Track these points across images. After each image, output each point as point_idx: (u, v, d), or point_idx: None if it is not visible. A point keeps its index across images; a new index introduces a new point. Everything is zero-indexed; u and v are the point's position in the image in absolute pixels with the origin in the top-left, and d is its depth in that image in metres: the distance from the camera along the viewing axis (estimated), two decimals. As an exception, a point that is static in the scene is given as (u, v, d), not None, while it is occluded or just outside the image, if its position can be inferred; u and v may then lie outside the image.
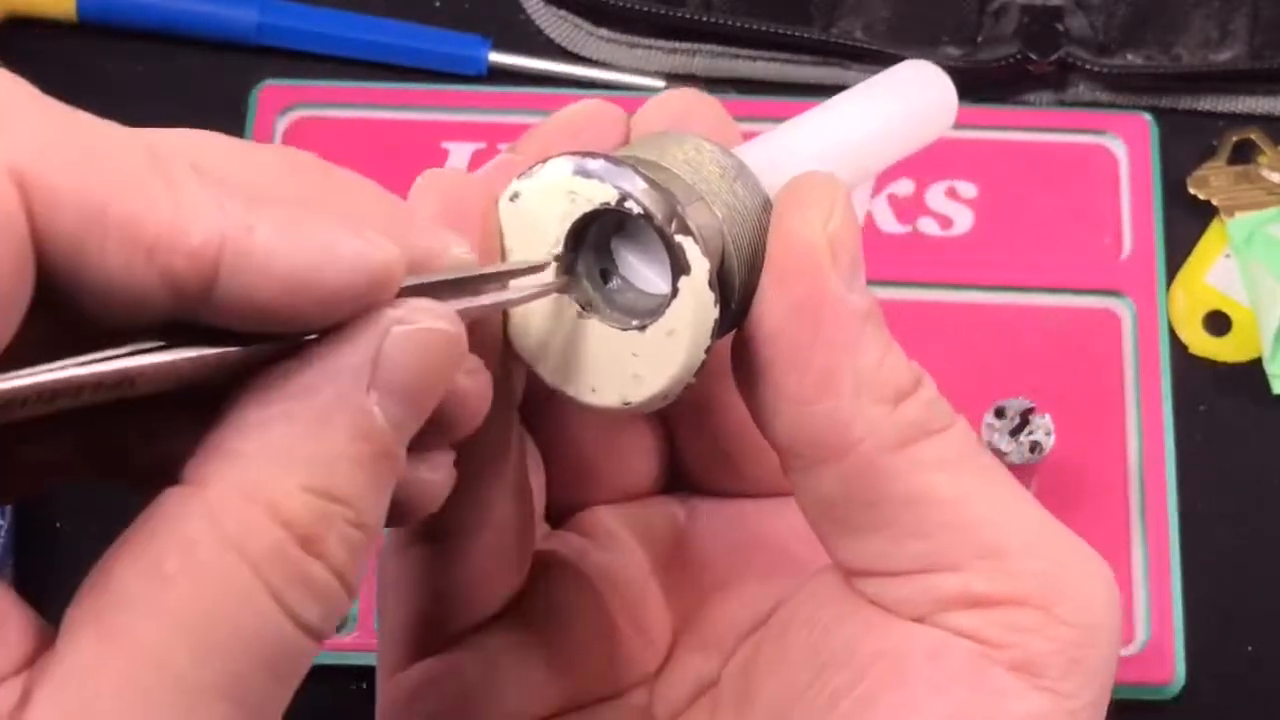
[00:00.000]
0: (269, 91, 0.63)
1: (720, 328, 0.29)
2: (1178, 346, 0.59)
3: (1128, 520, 0.56)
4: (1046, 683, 0.29)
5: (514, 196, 0.29)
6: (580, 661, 0.34)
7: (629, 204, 0.28)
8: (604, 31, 0.63)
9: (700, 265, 0.28)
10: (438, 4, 0.65)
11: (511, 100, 0.63)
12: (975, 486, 0.30)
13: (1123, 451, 0.57)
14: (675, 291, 0.29)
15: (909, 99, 0.36)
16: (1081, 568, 0.30)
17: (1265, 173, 0.61)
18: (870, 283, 0.59)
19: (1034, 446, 0.53)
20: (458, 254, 0.28)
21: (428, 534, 0.33)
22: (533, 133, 0.33)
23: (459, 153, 0.62)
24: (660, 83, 0.63)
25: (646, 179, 0.29)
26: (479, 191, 0.30)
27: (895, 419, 0.29)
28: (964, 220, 0.61)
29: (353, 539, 0.26)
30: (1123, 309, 0.59)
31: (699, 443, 0.36)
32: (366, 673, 0.56)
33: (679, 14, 0.62)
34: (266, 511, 0.25)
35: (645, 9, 0.62)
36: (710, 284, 0.29)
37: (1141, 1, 0.62)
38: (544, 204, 0.29)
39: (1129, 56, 0.62)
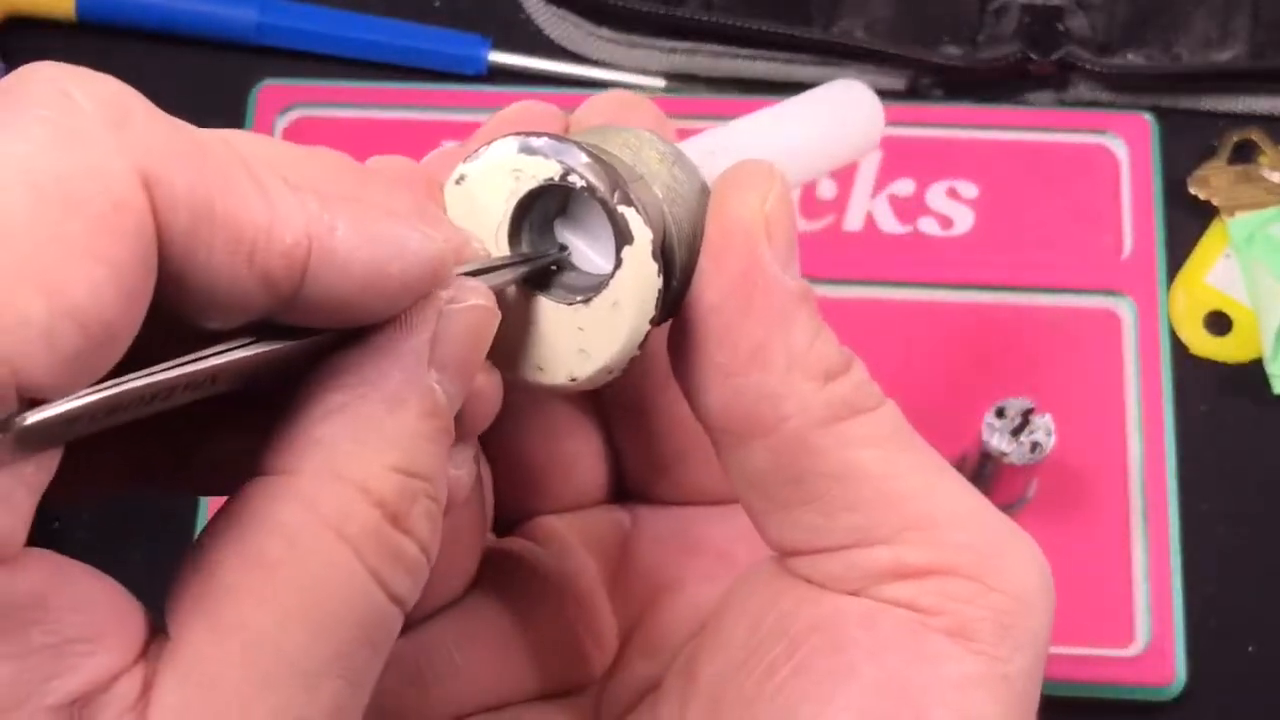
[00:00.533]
0: (268, 91, 0.63)
1: (662, 303, 0.30)
2: (1178, 346, 0.59)
3: (1128, 520, 0.56)
4: (980, 647, 0.29)
5: (460, 179, 0.30)
6: (529, 657, 0.34)
7: (572, 178, 0.29)
8: (604, 31, 0.63)
9: (644, 235, 0.29)
10: (437, 4, 0.65)
11: (511, 100, 0.62)
12: (904, 462, 0.30)
13: (1123, 451, 0.57)
14: (619, 262, 0.29)
15: (838, 115, 0.37)
16: (1011, 540, 0.31)
17: (1266, 172, 0.61)
18: (871, 283, 0.60)
19: (1034, 446, 0.53)
20: (476, 247, 0.29)
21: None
22: (477, 132, 0.34)
23: (459, 152, 0.62)
24: (660, 82, 0.63)
25: (589, 154, 0.29)
26: (421, 177, 0.30)
27: (825, 396, 0.30)
28: (964, 220, 0.61)
29: (432, 512, 0.27)
30: (1123, 309, 0.59)
31: (643, 451, 0.37)
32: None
33: (679, 14, 0.62)
34: (360, 493, 0.26)
35: (645, 9, 0.62)
36: (653, 254, 0.29)
37: (1142, 1, 0.62)
38: (489, 183, 0.30)
39: (1129, 56, 0.62)
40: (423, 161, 0.32)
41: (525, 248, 0.30)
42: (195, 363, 0.25)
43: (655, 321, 0.30)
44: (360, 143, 0.62)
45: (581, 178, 0.29)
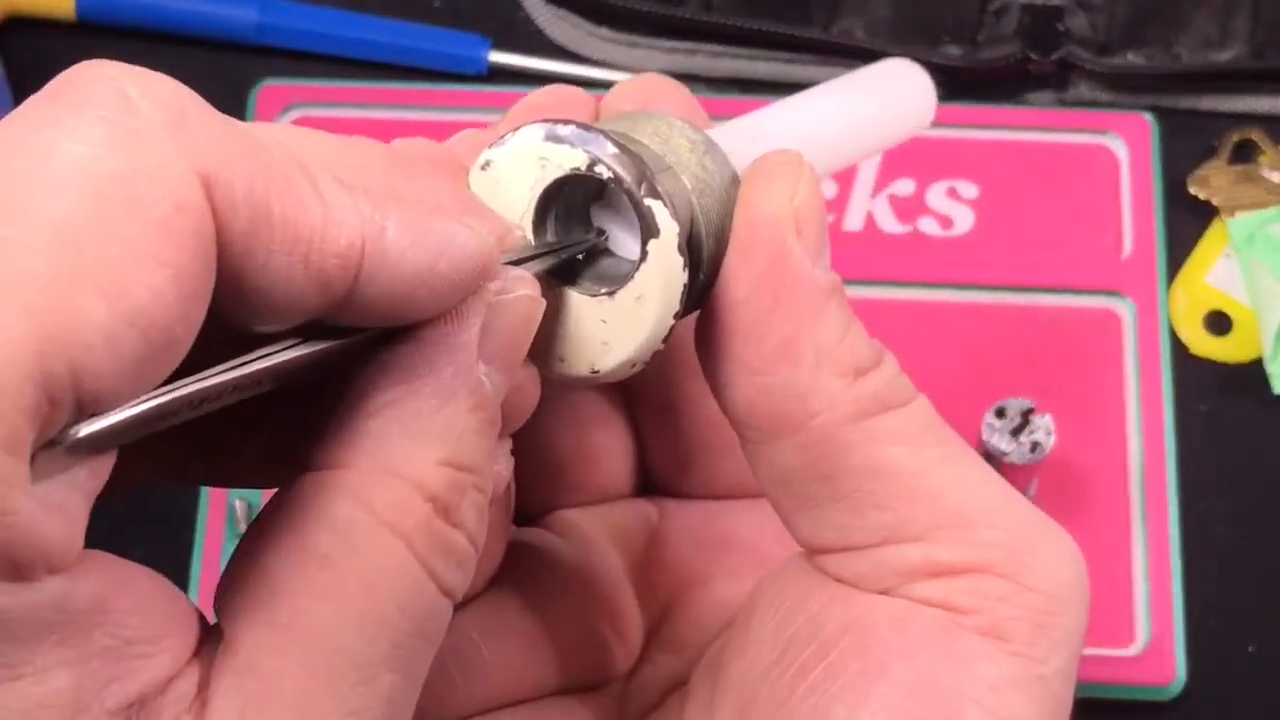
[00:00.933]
0: (269, 91, 0.63)
1: (688, 296, 0.29)
2: (1178, 346, 0.59)
3: (1128, 520, 0.56)
4: (1015, 647, 0.29)
5: (485, 165, 0.29)
6: (554, 650, 0.34)
7: (599, 168, 0.28)
8: (604, 31, 0.63)
9: (669, 228, 0.28)
10: (437, 4, 0.65)
11: (511, 100, 0.62)
12: (935, 458, 0.30)
13: (1123, 451, 0.57)
14: (644, 255, 0.29)
15: (887, 96, 0.36)
16: (1046, 537, 0.30)
17: (1266, 172, 0.61)
18: (871, 283, 0.60)
19: (1034, 446, 0.53)
20: (517, 234, 0.29)
21: None
22: (505, 117, 0.33)
23: (459, 152, 0.62)
24: (660, 82, 0.63)
25: (617, 144, 0.29)
26: (448, 161, 0.30)
27: (854, 392, 0.29)
28: (964, 220, 0.61)
29: (480, 503, 0.27)
30: (1123, 309, 0.59)
31: (669, 445, 0.36)
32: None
33: (679, 13, 0.62)
34: (413, 487, 0.26)
35: (645, 8, 0.62)
36: (679, 248, 0.29)
37: (1142, 1, 0.62)
38: (515, 170, 0.29)
39: (1130, 56, 0.62)
40: (447, 144, 0.31)
41: (550, 236, 0.30)
42: (245, 366, 0.25)
43: (680, 315, 0.29)
44: (360, 143, 0.62)
45: (608, 168, 0.28)
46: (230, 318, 0.25)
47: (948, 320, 0.59)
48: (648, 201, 0.28)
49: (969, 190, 0.61)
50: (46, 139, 0.23)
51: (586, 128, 0.29)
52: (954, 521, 0.30)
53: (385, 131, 0.62)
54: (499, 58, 0.63)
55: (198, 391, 0.24)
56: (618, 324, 0.29)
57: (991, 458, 0.53)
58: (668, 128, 0.30)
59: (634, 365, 0.30)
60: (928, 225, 0.61)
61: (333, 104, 0.63)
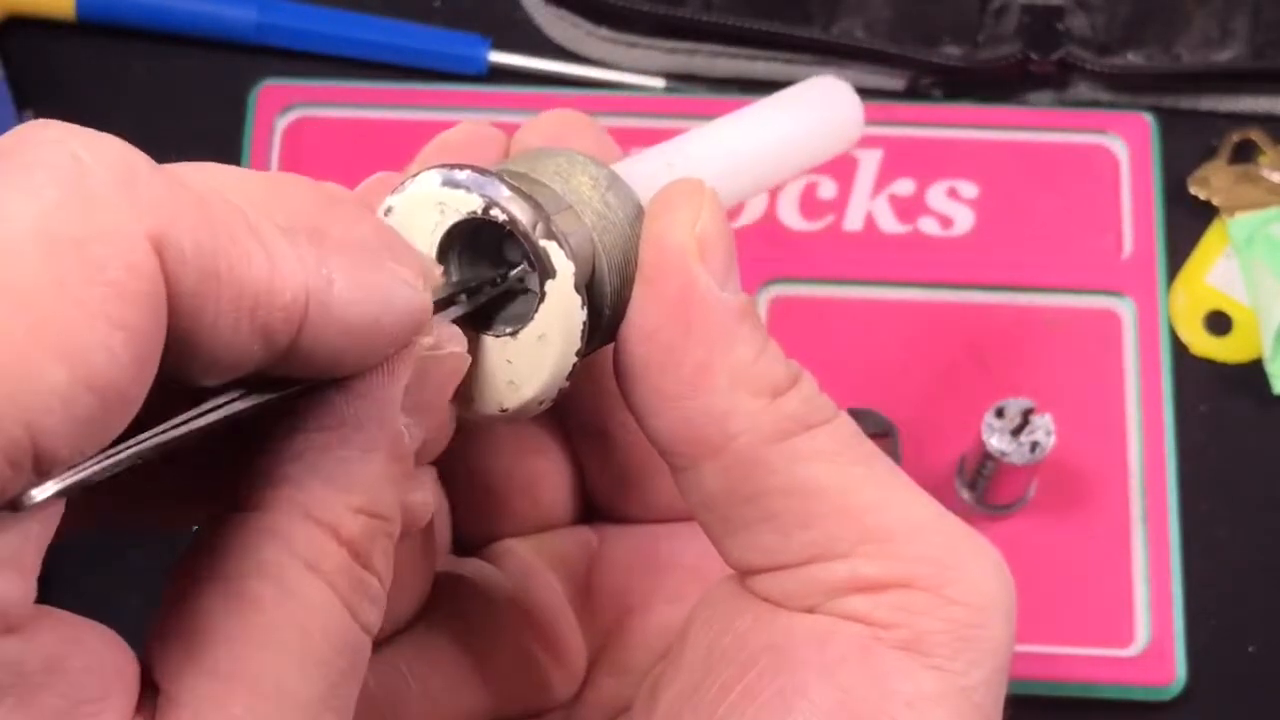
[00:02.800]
0: (268, 91, 0.63)
1: (593, 332, 0.30)
2: (1178, 346, 0.59)
3: (1128, 520, 0.56)
4: (936, 661, 0.29)
5: (387, 211, 0.30)
6: (490, 680, 0.34)
7: (494, 211, 0.29)
8: (604, 31, 0.63)
9: (565, 268, 0.29)
10: (437, 4, 0.65)
11: (511, 100, 0.63)
12: (858, 475, 0.30)
13: (1123, 451, 0.57)
14: (542, 295, 0.29)
15: (811, 113, 0.36)
16: (970, 549, 0.30)
17: (1266, 172, 0.61)
18: (870, 283, 0.60)
19: (1034, 446, 0.53)
20: (439, 275, 0.29)
21: None
22: (416, 158, 0.34)
23: (459, 152, 0.62)
24: (660, 82, 0.63)
25: (512, 187, 0.29)
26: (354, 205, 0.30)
27: (773, 413, 0.30)
28: (964, 220, 0.61)
29: (388, 548, 0.28)
30: (1123, 309, 0.59)
31: (606, 470, 0.36)
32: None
33: (679, 14, 0.62)
34: (330, 533, 0.26)
35: (645, 8, 0.62)
36: (576, 287, 0.29)
37: (1142, 1, 0.62)
38: (415, 215, 0.30)
39: (1130, 56, 0.62)
40: (357, 190, 0.32)
41: (454, 279, 0.30)
42: (191, 421, 0.25)
43: (583, 353, 0.30)
44: (360, 143, 0.62)
45: (503, 210, 0.29)
46: (175, 372, 0.25)
47: (948, 320, 0.59)
48: (542, 243, 0.29)
49: (969, 190, 0.61)
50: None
51: (483, 172, 0.29)
52: (879, 537, 0.30)
53: (385, 132, 0.63)
54: (499, 58, 0.63)
55: (143, 450, 0.24)
56: (522, 363, 0.30)
57: (991, 458, 0.53)
58: (569, 165, 0.31)
59: (541, 403, 0.30)
60: (928, 225, 0.61)
61: (332, 104, 0.63)
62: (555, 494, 0.36)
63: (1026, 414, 0.53)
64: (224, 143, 0.62)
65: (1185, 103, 0.63)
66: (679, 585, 0.35)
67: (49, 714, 0.23)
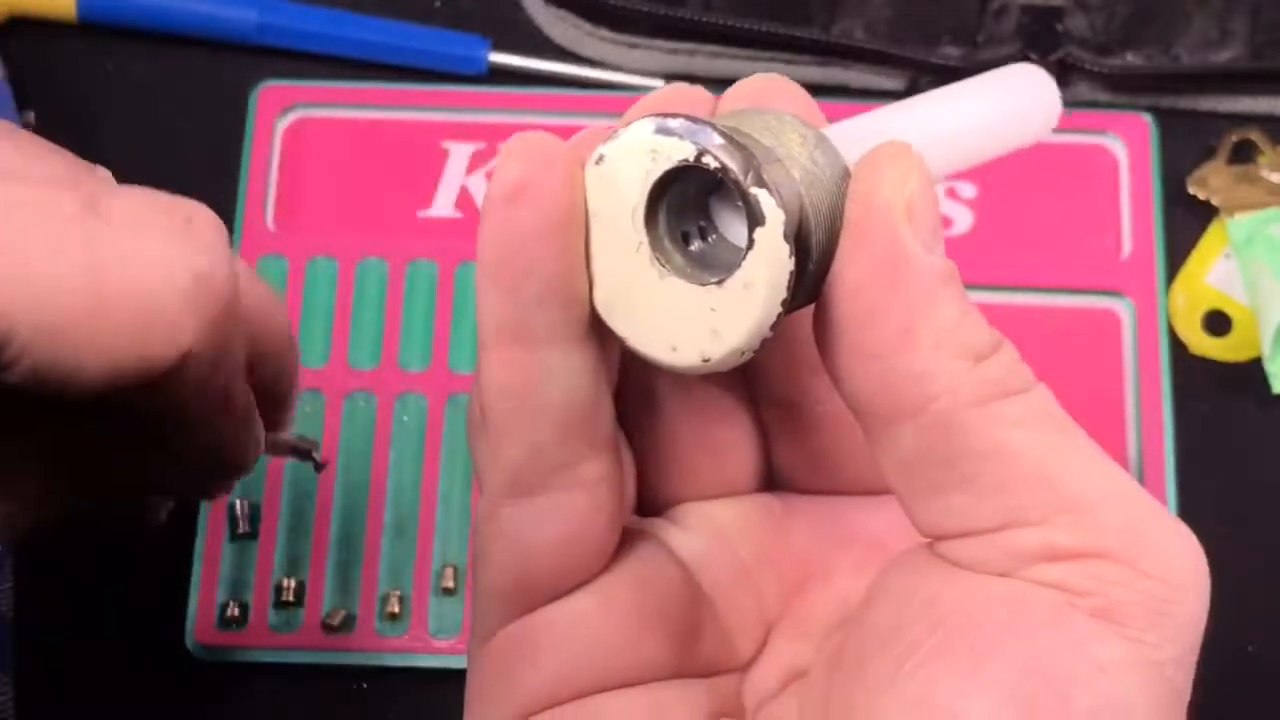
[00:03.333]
0: (269, 91, 0.63)
1: (797, 287, 0.30)
2: (1178, 346, 0.59)
3: (1127, 520, 0.56)
4: (1129, 632, 0.29)
5: (599, 160, 0.30)
6: (668, 635, 0.34)
7: (706, 159, 0.29)
8: (604, 31, 0.63)
9: (775, 216, 0.29)
10: (437, 4, 0.65)
11: (511, 100, 0.63)
12: (1056, 444, 0.30)
13: (1122, 452, 0.57)
14: (751, 243, 0.29)
15: (1009, 100, 0.36)
16: (1166, 526, 0.30)
17: (1265, 173, 0.61)
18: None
19: (1034, 446, 0.53)
20: None
21: (519, 490, 0.33)
22: (626, 114, 0.33)
23: (459, 153, 0.62)
24: (660, 82, 0.63)
25: (725, 135, 0.29)
26: (564, 155, 0.30)
27: (975, 376, 0.30)
28: (964, 220, 0.61)
29: None
30: (1123, 309, 0.59)
31: (794, 441, 0.36)
32: (367, 673, 0.56)
33: (679, 14, 0.62)
34: None
35: (645, 9, 0.62)
36: (785, 235, 0.29)
37: (1142, 1, 0.62)
38: (627, 164, 0.30)
39: (1129, 56, 0.62)
40: (571, 141, 0.32)
41: (663, 228, 0.30)
42: None
43: (788, 304, 0.30)
44: (360, 143, 0.62)
45: (715, 158, 0.29)
46: None
47: (947, 320, 0.59)
48: (753, 190, 0.29)
49: (968, 190, 0.61)
50: None
51: (696, 120, 0.29)
52: (1074, 507, 0.29)
53: (385, 131, 0.63)
54: (499, 58, 0.63)
55: None
56: (726, 312, 0.30)
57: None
58: (778, 123, 0.31)
59: (743, 353, 0.30)
60: (927, 225, 0.61)
61: (332, 104, 0.63)
62: (742, 461, 0.36)
63: (1026, 414, 0.53)
64: (224, 143, 0.62)
65: (1184, 103, 0.63)
66: (862, 557, 0.35)
67: None
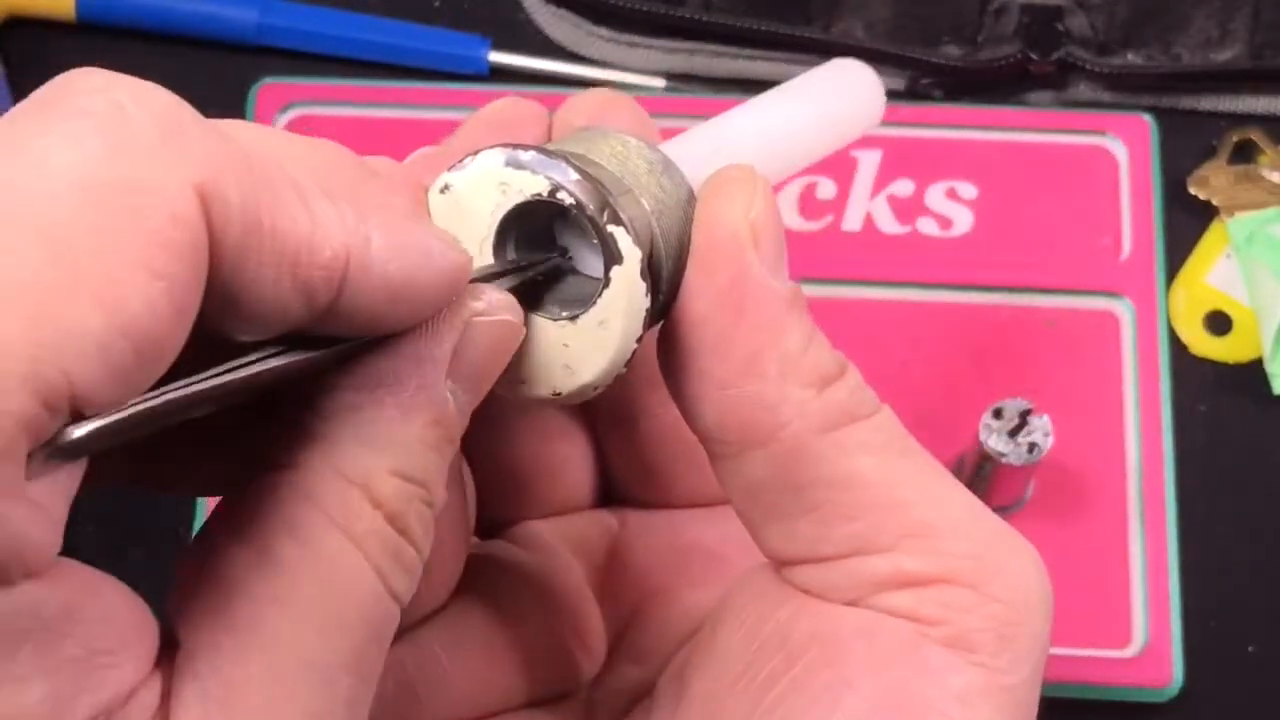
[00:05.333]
0: (268, 90, 0.63)
1: (651, 316, 0.29)
2: (1178, 347, 0.59)
3: (1126, 521, 0.56)
4: (980, 659, 0.29)
5: (445, 188, 0.29)
6: (518, 662, 0.34)
7: (561, 195, 0.29)
8: (604, 31, 0.63)
9: (632, 254, 0.29)
10: (438, 4, 0.65)
11: (511, 100, 0.63)
12: (903, 470, 0.30)
13: (1121, 452, 0.57)
14: (607, 281, 0.29)
15: (839, 97, 0.36)
16: (1010, 547, 0.30)
17: (1266, 173, 0.61)
18: (869, 283, 0.60)
19: (1032, 447, 0.53)
20: (470, 259, 0.29)
21: None
22: (458, 131, 0.33)
23: (459, 152, 0.62)
24: (660, 82, 0.63)
25: (578, 170, 0.29)
26: (409, 179, 0.30)
27: (821, 402, 0.30)
28: (964, 221, 0.61)
29: (426, 516, 0.27)
30: (1122, 310, 0.59)
31: (630, 455, 0.36)
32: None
33: (679, 13, 0.62)
34: (363, 493, 0.26)
35: (645, 8, 0.62)
36: (642, 274, 0.29)
37: (1142, 1, 0.62)
38: (475, 195, 0.29)
39: (1129, 56, 0.62)
40: (407, 162, 0.32)
41: (511, 259, 0.30)
42: (226, 374, 0.25)
43: (641, 338, 0.29)
44: (360, 142, 0.62)
45: (570, 194, 0.29)
46: (214, 326, 0.25)
47: (946, 321, 0.59)
48: (610, 228, 0.29)
49: (968, 191, 0.61)
50: (41, 147, 0.23)
51: (548, 153, 0.29)
52: (922, 532, 0.30)
53: (385, 131, 0.63)
54: (499, 58, 0.63)
55: (180, 399, 0.24)
56: (580, 348, 0.29)
57: (989, 458, 0.53)
58: (624, 148, 0.31)
59: (596, 388, 0.30)
60: (927, 226, 0.61)
61: (332, 103, 0.63)
62: (578, 478, 0.36)
63: (1024, 415, 0.53)
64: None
65: (1185, 103, 0.63)
66: (701, 570, 0.35)
67: (67, 662, 0.23)
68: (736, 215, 0.30)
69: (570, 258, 0.30)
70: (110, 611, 0.24)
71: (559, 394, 0.30)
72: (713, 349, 0.29)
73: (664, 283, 0.30)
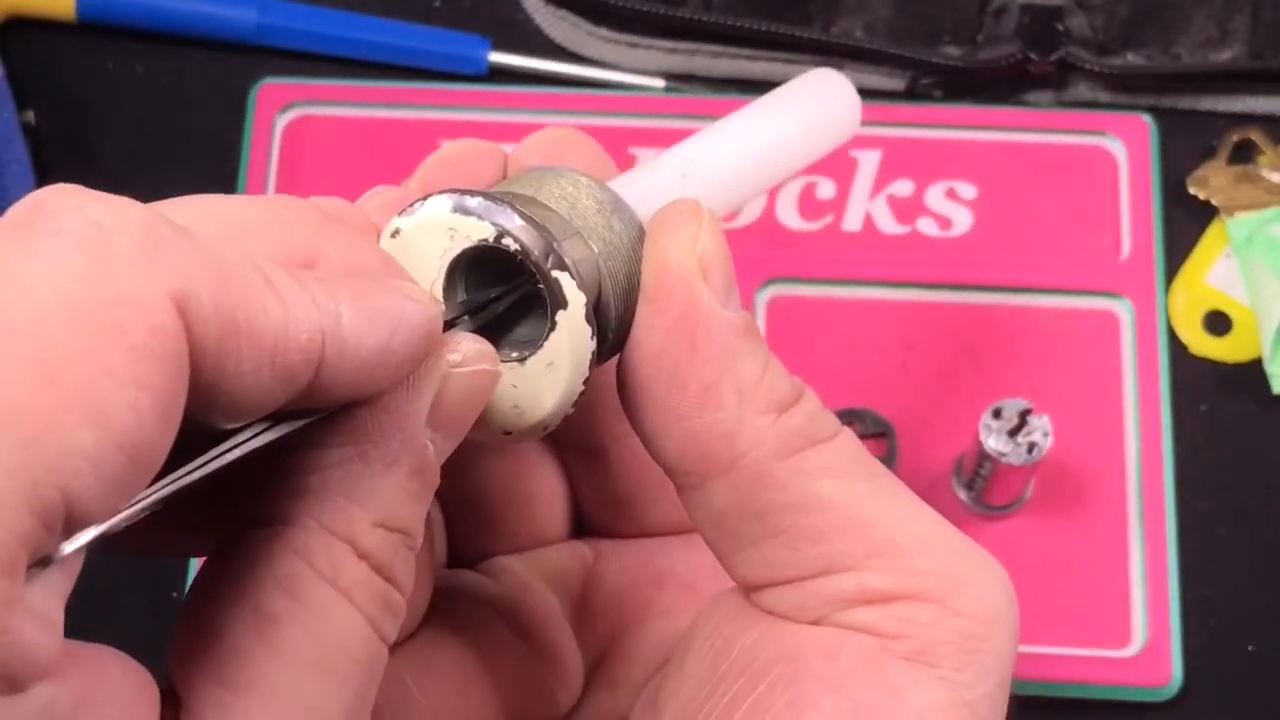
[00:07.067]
0: (268, 90, 0.63)
1: (599, 358, 0.30)
2: (1178, 347, 0.59)
3: (1126, 521, 0.56)
4: (943, 673, 0.29)
5: (395, 233, 0.30)
6: (488, 692, 0.34)
7: (506, 240, 0.29)
8: (604, 31, 0.63)
9: (577, 299, 0.29)
10: (438, 4, 0.65)
11: (511, 100, 0.63)
12: (865, 490, 0.30)
13: (1121, 452, 0.57)
14: (553, 325, 0.29)
15: (813, 109, 0.37)
16: (974, 563, 0.30)
17: (1265, 173, 0.61)
18: (869, 283, 0.60)
19: (1032, 447, 0.53)
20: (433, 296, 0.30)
21: None
22: (415, 173, 0.34)
23: (459, 152, 0.62)
24: (660, 82, 0.63)
25: (523, 215, 0.29)
26: (362, 222, 0.31)
27: (779, 428, 0.30)
28: (963, 221, 0.61)
29: (409, 561, 0.28)
30: (1121, 310, 0.59)
31: (601, 486, 0.36)
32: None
33: (679, 14, 0.62)
34: (349, 546, 0.27)
35: (645, 9, 0.62)
36: (587, 317, 0.29)
37: (1142, 1, 0.62)
38: (424, 240, 0.30)
39: (1129, 56, 0.62)
40: (358, 203, 0.32)
41: (462, 300, 0.30)
42: (216, 459, 0.26)
43: (589, 379, 0.30)
44: (360, 142, 0.62)
45: (515, 240, 0.29)
46: (199, 418, 0.25)
47: (946, 321, 0.59)
48: (554, 274, 0.29)
49: (968, 191, 0.61)
50: (23, 269, 0.24)
51: (494, 198, 0.29)
52: (886, 550, 0.30)
53: (385, 131, 0.63)
54: (499, 58, 0.63)
55: (169, 495, 0.25)
56: (528, 389, 0.30)
57: (989, 458, 0.53)
58: (574, 188, 0.31)
59: (545, 428, 0.30)
60: (926, 226, 0.61)
61: (332, 103, 0.63)
62: (549, 511, 0.37)
63: (1024, 415, 0.53)
64: (224, 142, 0.62)
65: (1184, 103, 0.63)
66: (673, 599, 0.36)
67: None
68: (684, 249, 0.30)
69: (525, 295, 0.31)
70: (114, 689, 0.25)
71: (509, 433, 0.30)
72: (669, 382, 0.30)
73: (613, 322, 0.30)
